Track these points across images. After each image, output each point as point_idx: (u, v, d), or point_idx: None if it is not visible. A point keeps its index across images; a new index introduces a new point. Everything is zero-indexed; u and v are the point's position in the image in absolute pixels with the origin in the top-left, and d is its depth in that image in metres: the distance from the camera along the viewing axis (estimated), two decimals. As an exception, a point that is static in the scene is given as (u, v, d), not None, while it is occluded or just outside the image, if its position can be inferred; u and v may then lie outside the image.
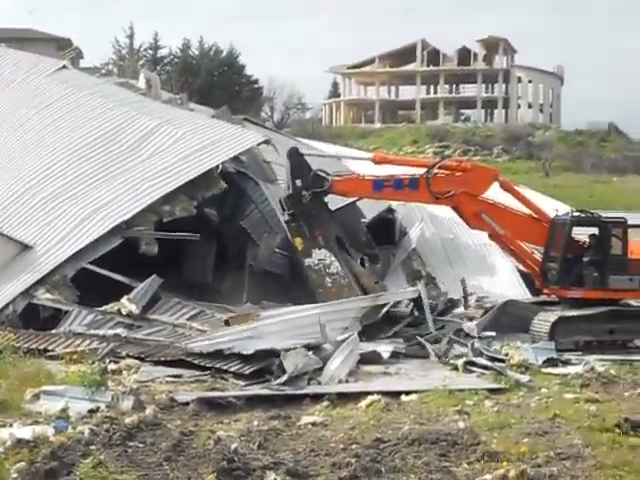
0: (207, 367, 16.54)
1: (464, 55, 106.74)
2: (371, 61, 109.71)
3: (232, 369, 16.27)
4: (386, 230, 29.32)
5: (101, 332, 19.14)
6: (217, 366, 16.49)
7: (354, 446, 11.44)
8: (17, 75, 30.68)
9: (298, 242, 21.54)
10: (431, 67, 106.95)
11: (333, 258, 22.17)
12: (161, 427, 11.90)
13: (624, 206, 44.92)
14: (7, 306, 20.60)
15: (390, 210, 29.85)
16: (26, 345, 17.81)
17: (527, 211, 22.35)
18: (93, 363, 15.52)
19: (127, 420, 11.88)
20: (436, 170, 21.76)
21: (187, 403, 13.81)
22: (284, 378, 15.50)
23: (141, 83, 34.81)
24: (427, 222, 31.49)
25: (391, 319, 21.12)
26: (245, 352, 16.49)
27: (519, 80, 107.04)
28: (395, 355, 18.99)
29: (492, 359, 18.21)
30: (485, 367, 17.57)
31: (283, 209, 21.90)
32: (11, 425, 11.81)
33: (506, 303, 22.36)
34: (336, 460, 10.76)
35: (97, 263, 22.03)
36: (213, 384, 15.64)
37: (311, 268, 22.28)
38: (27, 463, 9.99)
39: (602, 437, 12.22)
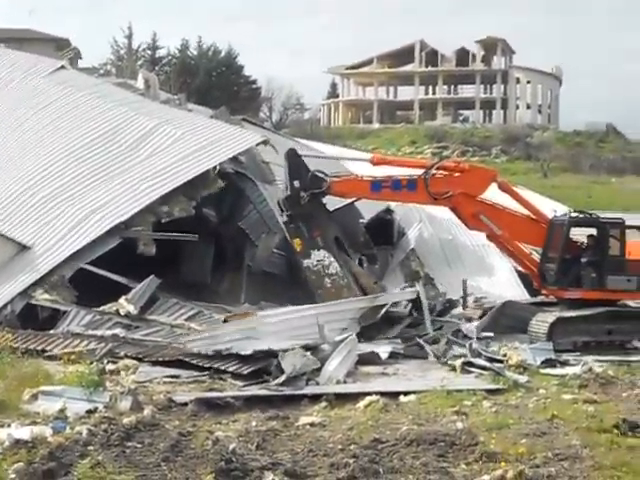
0: (205, 367, 16.53)
1: (462, 56, 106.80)
2: (369, 62, 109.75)
3: (230, 369, 16.27)
4: (384, 231, 29.33)
5: (99, 332, 19.14)
6: (215, 366, 16.49)
7: (352, 446, 11.44)
8: (15, 75, 30.69)
9: (297, 243, 21.53)
10: (429, 68, 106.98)
11: (332, 259, 22.18)
12: (159, 427, 11.89)
13: (622, 207, 44.90)
14: (5, 306, 20.60)
15: (388, 211, 29.86)
16: (24, 345, 17.81)
17: (525, 212, 22.36)
18: (91, 363, 15.52)
19: (125, 420, 11.87)
20: (434, 171, 21.77)
21: (185, 403, 13.80)
22: (282, 378, 15.50)
23: (139, 83, 34.79)
24: (425, 223, 31.50)
25: (390, 320, 21.12)
26: (243, 352, 16.49)
27: (517, 81, 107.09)
28: (393, 356, 18.98)
29: (490, 360, 18.21)
30: (483, 368, 17.56)
31: (281, 210, 21.89)
32: (9, 425, 11.80)
33: (504, 304, 22.38)
34: (334, 460, 10.76)
35: (95, 263, 22.03)
36: (211, 384, 15.64)
37: (310, 269, 22.30)
38: (25, 463, 9.98)
39: (600, 438, 12.21)
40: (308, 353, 16.50)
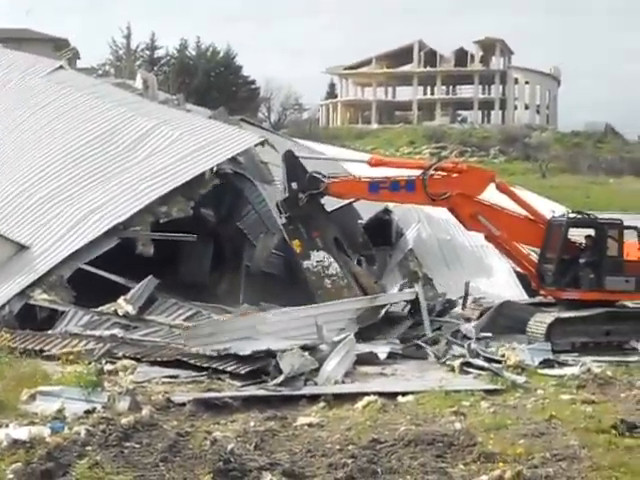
0: (203, 368, 16.52)
1: (461, 56, 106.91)
2: (368, 62, 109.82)
3: (228, 370, 16.26)
4: (383, 231, 29.33)
5: (97, 333, 19.13)
6: (213, 367, 16.48)
7: (350, 447, 11.43)
8: (13, 75, 30.68)
9: (296, 245, 21.52)
10: (428, 68, 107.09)
11: (331, 260, 22.17)
12: (157, 428, 11.88)
13: (620, 207, 44.98)
14: (3, 307, 20.59)
15: (387, 211, 29.86)
16: (22, 345, 17.80)
17: (523, 212, 22.37)
18: (89, 364, 15.50)
19: (123, 421, 11.86)
20: (432, 172, 21.77)
21: (183, 404, 13.79)
22: (280, 379, 15.49)
23: (138, 84, 34.81)
24: (424, 223, 31.51)
25: (389, 320, 21.11)
26: (241, 353, 16.48)
27: (516, 81, 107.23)
28: (392, 356, 18.98)
29: (489, 360, 18.22)
30: (481, 368, 17.57)
31: (280, 212, 21.89)
32: (7, 426, 11.78)
33: (502, 304, 22.40)
34: (332, 461, 10.76)
35: (93, 264, 22.03)
36: (209, 385, 15.62)
37: (310, 270, 22.31)
38: (23, 464, 9.98)
39: (598, 438, 12.22)
40: (306, 353, 16.49)
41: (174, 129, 25.95)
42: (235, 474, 10.04)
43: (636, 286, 21.50)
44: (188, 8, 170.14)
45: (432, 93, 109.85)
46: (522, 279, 27.45)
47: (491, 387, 15.98)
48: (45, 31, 68.00)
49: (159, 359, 17.15)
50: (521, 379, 16.84)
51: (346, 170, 27.25)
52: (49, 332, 19.21)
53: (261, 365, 16.20)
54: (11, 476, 9.74)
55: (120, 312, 20.37)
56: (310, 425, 12.91)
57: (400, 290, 22.91)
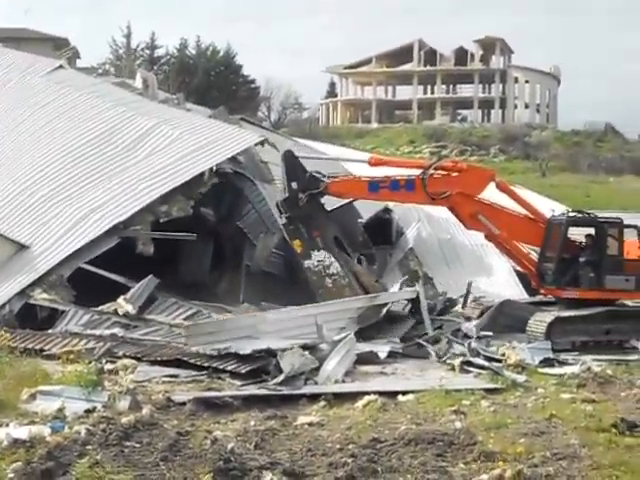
0: (204, 367, 16.51)
1: (461, 55, 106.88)
2: (368, 61, 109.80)
3: (229, 369, 16.26)
4: (383, 230, 29.34)
5: (98, 332, 19.14)
6: (214, 366, 16.47)
7: (351, 446, 11.42)
8: (13, 75, 30.70)
9: (297, 245, 21.51)
10: (428, 67, 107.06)
11: (332, 259, 22.17)
12: (158, 427, 11.88)
13: (620, 206, 44.95)
14: (4, 306, 20.60)
15: (387, 210, 29.87)
16: (22, 345, 17.79)
17: (523, 211, 22.36)
18: (90, 363, 15.49)
19: (124, 420, 11.85)
20: (432, 171, 21.76)
21: (184, 403, 13.78)
22: (281, 378, 15.48)
23: (138, 83, 34.85)
24: (424, 222, 31.51)
25: (390, 319, 21.10)
26: (242, 352, 16.48)
27: (516, 80, 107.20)
28: (392, 355, 18.98)
29: (489, 359, 18.22)
30: (482, 367, 17.57)
31: (280, 212, 21.89)
32: (7, 425, 11.78)
33: (502, 303, 22.41)
34: (333, 460, 10.76)
35: (94, 263, 22.04)
36: (210, 384, 15.61)
37: (311, 270, 22.29)
38: (23, 463, 9.97)
39: (598, 437, 12.21)
40: (307, 353, 16.49)
41: (174, 128, 25.96)
42: (235, 473, 10.03)
43: (636, 285, 21.51)
44: (188, 7, 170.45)
45: (432, 92, 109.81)
46: (522, 278, 27.45)
47: (491, 386, 15.97)
48: (45, 30, 68.01)
49: (159, 358, 17.14)
50: (521, 378, 16.83)
51: (346, 170, 27.24)
52: (49, 331, 19.21)
53: (261, 364, 16.19)
54: (11, 475, 9.74)
55: (120, 311, 20.38)
56: (310, 424, 12.90)
57: (400, 288, 22.88)
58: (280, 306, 21.13)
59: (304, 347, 16.79)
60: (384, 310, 20.81)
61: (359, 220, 27.38)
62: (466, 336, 20.46)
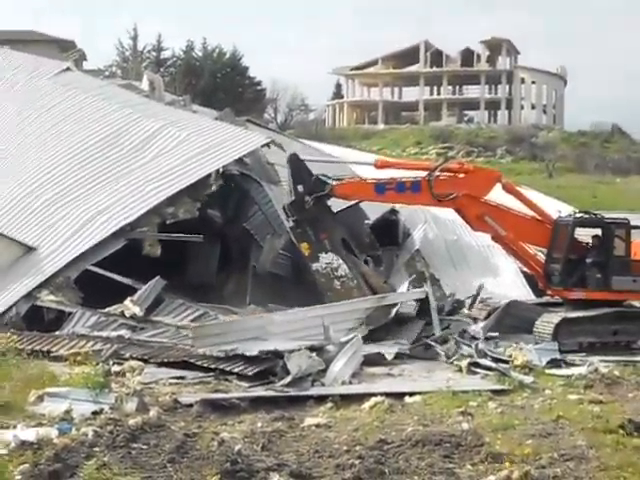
0: (211, 369, 16.53)
1: (467, 56, 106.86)
2: (374, 62, 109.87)
3: (236, 371, 16.27)
4: (389, 231, 29.29)
5: (105, 334, 19.15)
6: (221, 367, 16.49)
7: (358, 447, 11.42)
8: (20, 77, 30.76)
9: (305, 248, 21.50)
10: (434, 68, 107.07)
11: (340, 261, 22.15)
12: (165, 429, 11.89)
13: (627, 207, 44.82)
14: (11, 308, 20.63)
15: (393, 211, 29.81)
16: (30, 347, 17.82)
17: (530, 213, 22.33)
18: (97, 365, 15.52)
19: (131, 422, 11.87)
20: (438, 172, 21.73)
21: (191, 405, 13.79)
22: (288, 379, 15.49)
23: (144, 85, 34.89)
24: (430, 223, 31.46)
25: (399, 321, 21.06)
26: (249, 353, 16.49)
27: (522, 81, 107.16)
28: (399, 356, 18.97)
29: (496, 360, 18.20)
30: (489, 368, 17.56)
31: (287, 216, 21.89)
32: (15, 427, 11.81)
33: (509, 304, 22.40)
34: (340, 461, 10.76)
35: (100, 265, 22.05)
36: (217, 386, 15.63)
37: (319, 272, 22.28)
38: (31, 465, 9.98)
39: (606, 438, 12.20)
40: (314, 354, 16.50)
41: (181, 130, 25.97)
42: (242, 475, 10.04)
43: (644, 286, 21.49)
44: (195, 10, 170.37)
45: (438, 93, 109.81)
46: (529, 279, 27.42)
47: (498, 387, 15.97)
48: (51, 33, 68.10)
49: (166, 360, 17.15)
50: (528, 379, 16.82)
51: (353, 172, 27.22)
52: (56, 333, 19.23)
53: (268, 366, 16.20)
54: (19, 477, 9.75)
55: (127, 313, 20.38)
56: (317, 426, 12.90)
57: (408, 288, 22.86)
58: (287, 307, 21.13)
59: (311, 348, 16.79)
60: (393, 311, 20.79)
61: (366, 221, 27.37)
62: (473, 337, 20.44)
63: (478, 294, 25.30)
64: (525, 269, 25.58)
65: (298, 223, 21.43)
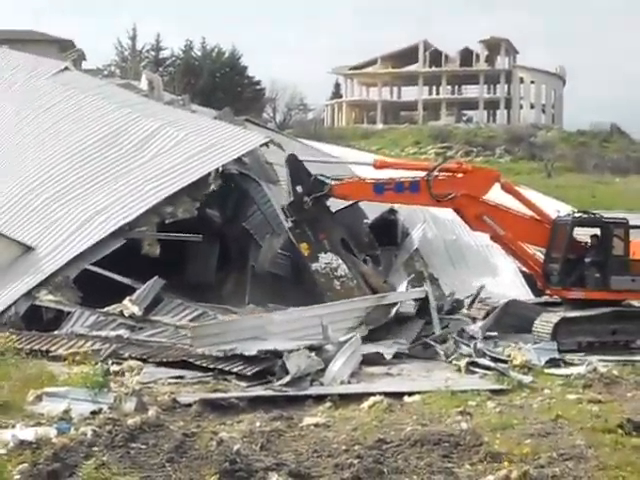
0: (210, 368, 16.53)
1: (466, 56, 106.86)
2: (373, 62, 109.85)
3: (234, 370, 16.27)
4: (388, 231, 29.30)
5: (103, 333, 19.15)
6: (220, 367, 16.49)
7: (356, 447, 11.43)
8: (19, 77, 30.77)
9: (304, 248, 21.50)
10: (433, 68, 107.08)
11: (340, 261, 22.15)
12: (164, 428, 11.89)
13: (626, 207, 44.86)
14: (10, 308, 20.64)
15: (392, 211, 29.82)
16: (28, 346, 17.82)
17: (529, 212, 22.34)
18: (96, 364, 15.49)
19: (130, 421, 11.87)
20: (437, 172, 21.73)
21: (190, 404, 13.80)
22: (287, 379, 15.49)
23: (143, 84, 34.88)
24: (429, 223, 31.47)
25: (398, 320, 21.05)
26: (248, 353, 16.48)
27: (521, 81, 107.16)
28: (398, 356, 18.98)
29: (495, 360, 18.21)
30: (488, 368, 17.56)
31: (286, 216, 21.89)
32: (13, 426, 11.81)
33: (508, 303, 22.41)
34: (338, 461, 10.76)
35: (99, 264, 22.05)
36: (216, 385, 15.62)
37: (318, 272, 22.27)
38: (30, 464, 9.99)
39: (605, 438, 12.20)
40: (312, 354, 16.50)
41: (179, 130, 25.98)
42: (241, 474, 10.04)
43: (642, 285, 21.49)
44: (194, 9, 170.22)
45: (437, 93, 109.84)
46: (528, 279, 27.43)
47: (497, 387, 15.97)
48: (50, 32, 68.12)
49: (165, 360, 17.15)
50: (527, 379, 16.82)
51: (352, 172, 27.22)
52: (55, 333, 19.23)
53: (267, 365, 16.19)
54: (18, 477, 9.75)
55: (126, 313, 20.38)
56: (316, 425, 12.91)
57: (407, 287, 22.86)
58: (286, 307, 21.12)
59: (310, 348, 16.79)
60: (393, 311, 20.79)
61: (364, 221, 27.37)
62: (472, 337, 20.44)
63: (478, 294, 25.31)
64: (524, 269, 25.59)
65: (297, 224, 21.43)
